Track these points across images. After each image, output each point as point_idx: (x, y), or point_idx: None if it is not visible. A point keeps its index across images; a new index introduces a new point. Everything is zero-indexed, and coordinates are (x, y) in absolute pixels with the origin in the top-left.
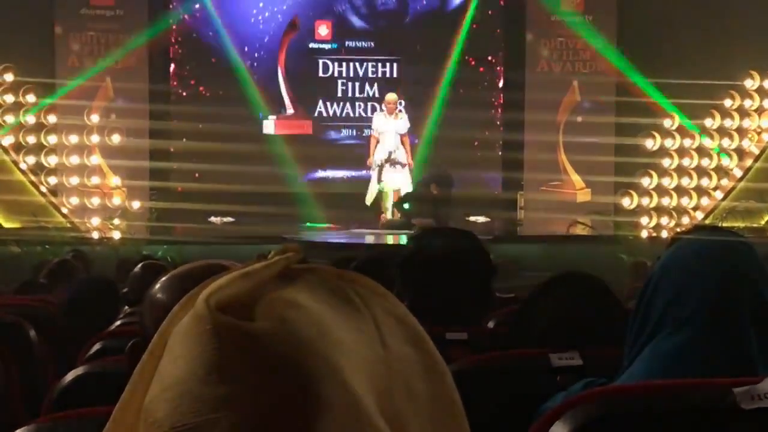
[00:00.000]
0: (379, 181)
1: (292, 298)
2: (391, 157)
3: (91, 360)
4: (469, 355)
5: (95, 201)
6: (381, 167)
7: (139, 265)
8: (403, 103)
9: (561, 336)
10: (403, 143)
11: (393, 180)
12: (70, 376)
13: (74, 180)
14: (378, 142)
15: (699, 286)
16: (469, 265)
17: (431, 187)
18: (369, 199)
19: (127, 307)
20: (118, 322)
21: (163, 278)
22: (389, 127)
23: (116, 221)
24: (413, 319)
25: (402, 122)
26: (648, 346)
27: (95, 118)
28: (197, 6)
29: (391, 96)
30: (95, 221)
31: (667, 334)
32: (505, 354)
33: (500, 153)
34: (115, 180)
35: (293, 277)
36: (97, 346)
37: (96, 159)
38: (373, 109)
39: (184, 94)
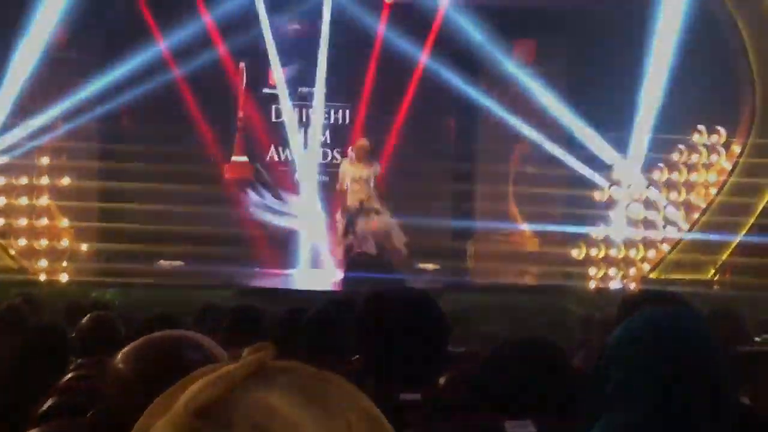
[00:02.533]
0: (347, 234)
1: (269, 404)
2: (364, 206)
3: (44, 418)
4: (423, 422)
5: (43, 243)
6: (352, 218)
7: (88, 317)
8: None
9: (516, 403)
10: (377, 187)
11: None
12: None
13: (23, 221)
14: (346, 191)
15: (652, 364)
16: (423, 325)
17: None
18: (338, 252)
19: (76, 358)
20: (70, 374)
21: (126, 348)
22: (359, 174)
23: (64, 263)
24: (385, 421)
25: (374, 168)
26: (601, 420)
27: (45, 160)
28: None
29: (361, 141)
30: (43, 263)
31: (621, 410)
32: (460, 421)
33: (450, 202)
34: (63, 222)
35: (267, 378)
36: (50, 402)
37: (45, 200)
38: (324, 155)
39: (136, 133)
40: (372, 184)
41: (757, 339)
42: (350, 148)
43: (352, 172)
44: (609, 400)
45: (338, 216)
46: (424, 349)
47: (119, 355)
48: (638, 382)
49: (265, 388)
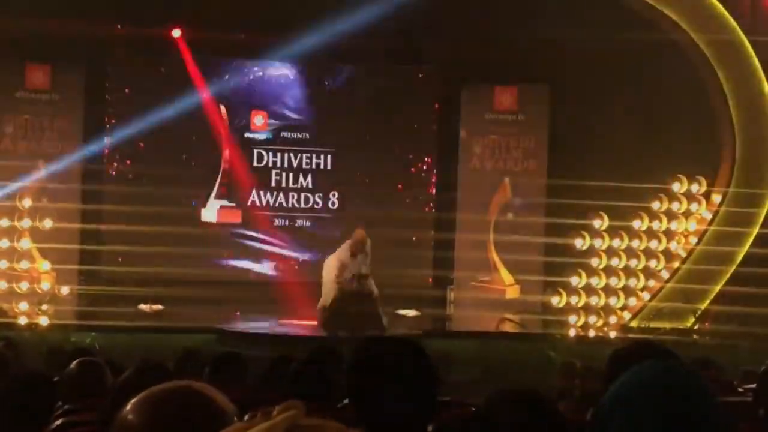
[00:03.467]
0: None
1: None
2: (362, 273)
3: None
4: None
5: (24, 286)
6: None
7: (75, 363)
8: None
9: None
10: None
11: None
12: None
13: (3, 264)
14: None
15: (651, 416)
16: (414, 373)
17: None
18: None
19: (61, 403)
20: (58, 421)
21: (135, 401)
22: (359, 270)
23: (44, 306)
24: None
25: (367, 261)
26: None
27: (27, 202)
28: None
29: (359, 235)
30: (23, 306)
31: None
32: None
33: (432, 250)
34: (44, 265)
35: None
36: None
37: (26, 243)
38: (306, 200)
39: (117, 175)
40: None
41: (740, 390)
42: (349, 243)
43: (354, 267)
44: None
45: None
46: (414, 397)
47: (129, 406)
48: None
49: None
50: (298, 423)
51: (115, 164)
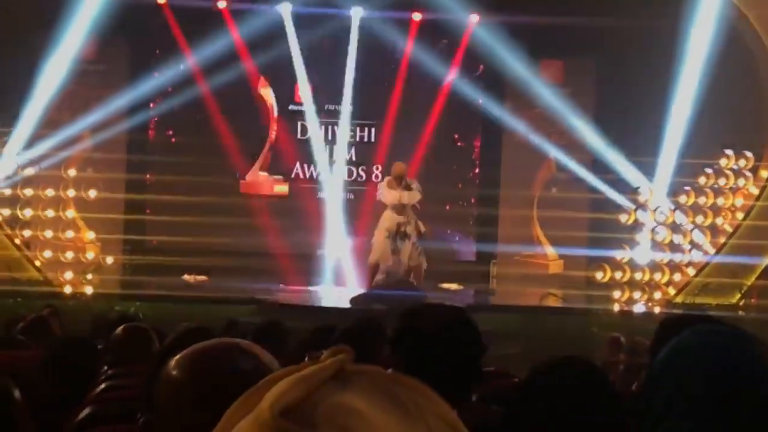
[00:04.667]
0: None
1: (352, 405)
2: (401, 230)
3: (81, 427)
4: None
5: (69, 255)
6: (391, 237)
7: (121, 328)
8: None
9: (557, 423)
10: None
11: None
12: None
13: (48, 233)
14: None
15: (702, 378)
16: (461, 341)
17: None
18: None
19: (106, 368)
20: (103, 385)
21: (178, 356)
22: (392, 199)
23: (89, 276)
24: (461, 425)
25: (410, 194)
26: None
27: (72, 172)
28: (181, 67)
29: (397, 167)
30: (68, 275)
31: (669, 426)
32: None
33: (476, 225)
34: (89, 234)
35: (347, 380)
36: (86, 411)
37: (71, 213)
38: (350, 173)
39: (162, 145)
40: (409, 209)
41: None
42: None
43: (386, 196)
44: (657, 417)
45: (378, 235)
46: (459, 365)
47: (172, 363)
48: (690, 398)
49: (346, 390)
50: (346, 367)
51: (160, 134)
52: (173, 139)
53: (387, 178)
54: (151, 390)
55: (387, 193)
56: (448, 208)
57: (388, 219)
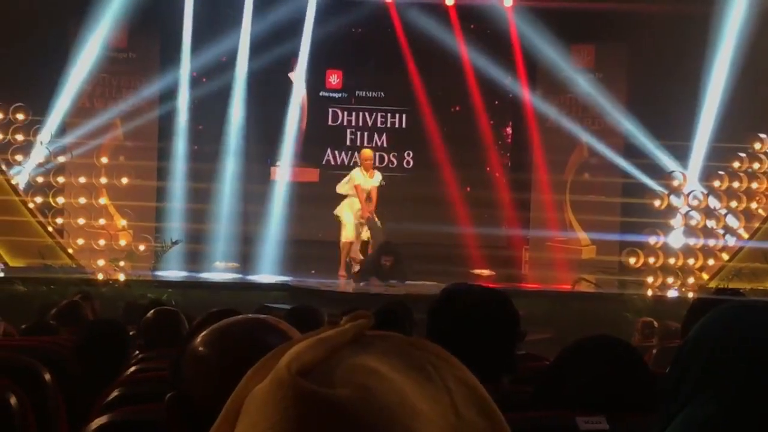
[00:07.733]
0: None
1: (371, 366)
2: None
3: (110, 408)
4: None
5: (101, 242)
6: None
7: (152, 311)
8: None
9: (588, 399)
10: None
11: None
12: (94, 425)
13: (81, 221)
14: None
15: (736, 354)
16: (498, 322)
17: (382, 260)
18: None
19: (137, 352)
20: (133, 368)
21: (205, 332)
22: (366, 185)
23: (121, 263)
24: (483, 389)
25: (375, 179)
26: (680, 414)
27: (104, 160)
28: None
29: (366, 152)
30: (101, 263)
31: (701, 402)
32: (532, 414)
33: (507, 207)
34: (121, 222)
35: (366, 344)
36: (115, 393)
37: (103, 200)
38: (381, 160)
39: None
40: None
41: None
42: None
43: (367, 183)
44: (689, 394)
45: (351, 218)
46: (496, 346)
47: (198, 338)
48: (720, 375)
49: (366, 353)
50: (366, 331)
51: (191, 122)
52: (203, 127)
53: (361, 166)
54: (178, 366)
55: (363, 180)
56: (479, 193)
57: (356, 203)
